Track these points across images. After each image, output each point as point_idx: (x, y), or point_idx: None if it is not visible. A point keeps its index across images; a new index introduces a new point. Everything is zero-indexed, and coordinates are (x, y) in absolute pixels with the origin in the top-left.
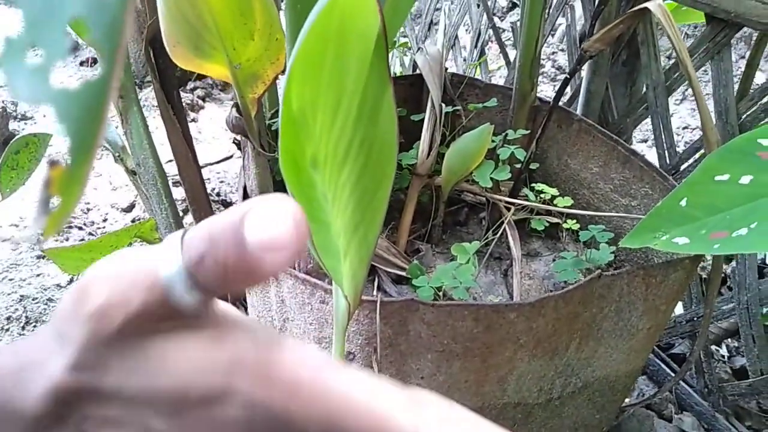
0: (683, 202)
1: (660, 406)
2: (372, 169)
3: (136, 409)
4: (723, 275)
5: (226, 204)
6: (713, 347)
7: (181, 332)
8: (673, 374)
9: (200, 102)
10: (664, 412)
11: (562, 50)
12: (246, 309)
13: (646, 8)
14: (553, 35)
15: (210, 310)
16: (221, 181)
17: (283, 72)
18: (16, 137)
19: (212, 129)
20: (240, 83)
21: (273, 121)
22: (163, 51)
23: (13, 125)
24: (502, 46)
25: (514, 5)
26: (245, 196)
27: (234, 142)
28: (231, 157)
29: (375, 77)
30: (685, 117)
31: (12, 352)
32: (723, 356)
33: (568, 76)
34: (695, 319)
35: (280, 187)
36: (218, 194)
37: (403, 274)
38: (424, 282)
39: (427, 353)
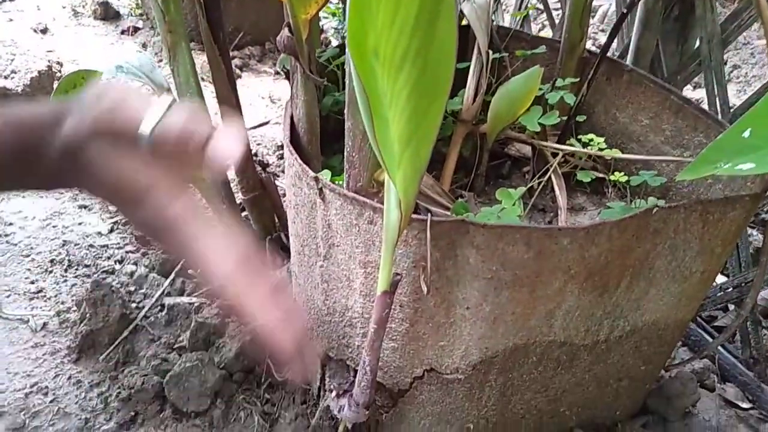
0: (746, 133)
1: (702, 375)
2: (428, 79)
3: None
4: None
5: (264, 165)
6: (760, 317)
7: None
8: None
9: (237, 71)
10: (706, 382)
11: (603, 30)
12: (284, 237)
13: None
14: (593, 16)
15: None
16: (258, 144)
17: None
18: (65, 75)
19: (249, 96)
20: (294, 2)
21: (321, 52)
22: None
23: None
24: (546, 6)
25: None
26: (292, 125)
27: (282, 70)
28: (267, 123)
29: None
30: (730, 98)
31: (31, 113)
32: None
33: (624, 12)
34: (743, 285)
35: (325, 120)
36: (255, 155)
37: (448, 213)
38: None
39: (474, 281)
